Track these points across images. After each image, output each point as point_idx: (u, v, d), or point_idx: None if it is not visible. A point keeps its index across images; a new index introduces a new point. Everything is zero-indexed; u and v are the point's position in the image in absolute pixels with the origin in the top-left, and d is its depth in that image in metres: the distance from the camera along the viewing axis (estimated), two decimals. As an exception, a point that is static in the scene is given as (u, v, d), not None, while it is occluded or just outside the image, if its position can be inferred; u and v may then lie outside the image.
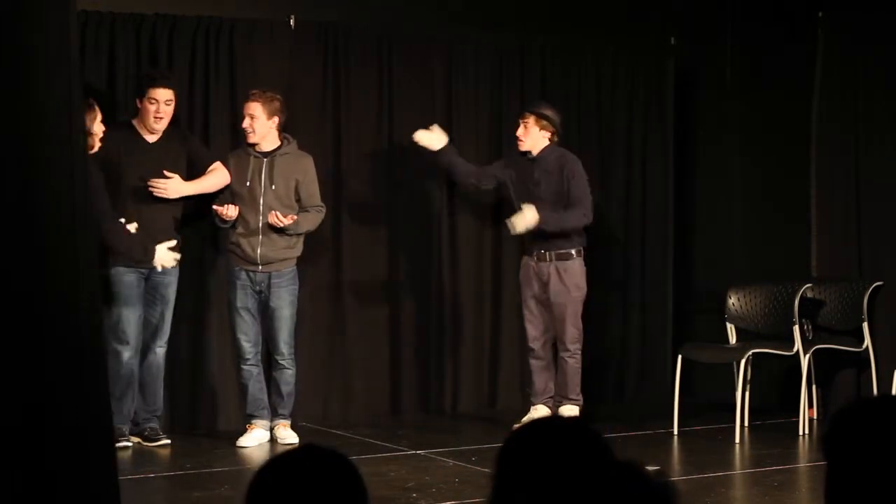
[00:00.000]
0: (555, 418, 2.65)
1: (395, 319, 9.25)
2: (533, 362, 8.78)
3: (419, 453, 8.11)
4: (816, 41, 9.22)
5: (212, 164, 8.25)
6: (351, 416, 9.08)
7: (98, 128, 7.58)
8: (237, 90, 8.67)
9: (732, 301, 9.03)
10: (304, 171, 8.33)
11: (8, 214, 4.16)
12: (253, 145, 8.25)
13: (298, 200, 8.29)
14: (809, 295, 8.85)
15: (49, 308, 4.23)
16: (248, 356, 8.29)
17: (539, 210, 8.49)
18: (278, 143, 8.29)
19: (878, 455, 2.56)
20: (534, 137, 8.64)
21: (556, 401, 8.71)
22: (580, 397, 8.68)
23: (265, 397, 8.34)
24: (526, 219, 8.49)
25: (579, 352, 8.65)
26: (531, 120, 8.64)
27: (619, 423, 8.71)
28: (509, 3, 9.63)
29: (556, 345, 8.76)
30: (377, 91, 9.15)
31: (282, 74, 8.79)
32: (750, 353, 8.58)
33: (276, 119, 8.23)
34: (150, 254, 7.81)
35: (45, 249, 4.25)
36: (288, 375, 8.32)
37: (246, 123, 8.20)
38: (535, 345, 8.75)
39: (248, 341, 8.28)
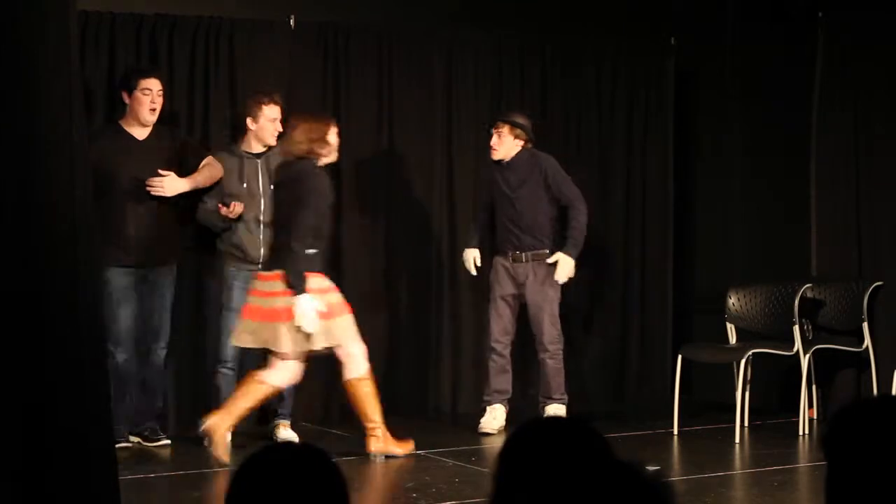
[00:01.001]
0: (556, 418, 2.65)
1: (394, 319, 9.25)
2: (491, 361, 8.75)
3: (419, 453, 8.10)
4: (816, 41, 9.22)
5: (204, 158, 8.22)
6: (351, 416, 9.06)
7: (335, 139, 7.86)
8: (237, 90, 8.66)
9: (732, 301, 9.03)
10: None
11: (8, 214, 4.16)
12: (239, 145, 8.21)
13: None
14: (809, 295, 8.85)
15: (49, 308, 4.23)
16: (229, 360, 8.20)
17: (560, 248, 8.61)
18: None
19: (878, 455, 2.56)
20: (507, 146, 8.66)
21: (541, 401, 8.71)
22: (565, 396, 8.69)
23: None
24: (568, 268, 8.56)
25: (559, 352, 8.65)
26: (505, 129, 8.65)
27: (619, 423, 8.70)
28: (509, 3, 9.63)
29: (533, 346, 8.76)
30: (377, 91, 9.14)
31: (282, 74, 8.79)
32: (750, 353, 8.58)
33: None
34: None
35: (45, 249, 4.25)
36: None
37: (278, 127, 8.15)
38: (497, 345, 8.73)
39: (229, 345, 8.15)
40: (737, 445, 8.40)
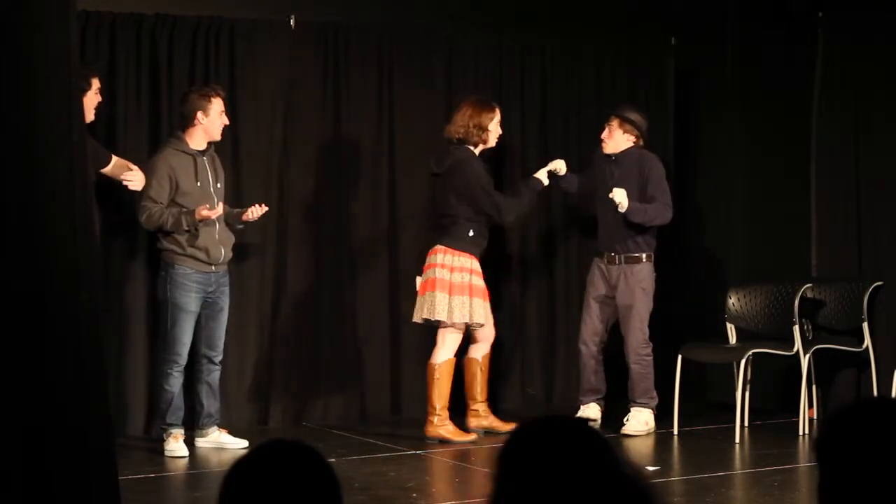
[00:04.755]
0: (556, 418, 2.65)
1: (395, 319, 9.24)
2: (581, 361, 8.79)
3: (419, 453, 8.11)
4: (816, 41, 9.22)
5: (110, 156, 7.89)
6: (351, 416, 9.08)
7: (496, 128, 8.40)
8: (237, 90, 8.67)
9: (732, 301, 9.03)
10: (222, 167, 8.20)
11: (8, 214, 4.17)
12: (186, 143, 7.97)
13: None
14: (809, 295, 8.85)
15: (49, 308, 4.23)
16: (182, 363, 7.98)
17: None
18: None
19: (871, 458, 2.55)
20: (617, 140, 8.68)
21: (629, 403, 8.71)
22: (650, 399, 8.65)
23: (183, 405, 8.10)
24: (621, 197, 8.46)
25: (646, 358, 8.62)
26: (615, 123, 8.70)
27: (619, 423, 8.70)
28: (509, 3, 9.63)
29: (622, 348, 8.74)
30: (377, 91, 9.15)
31: (282, 74, 8.79)
32: (750, 353, 8.58)
33: None
34: None
35: (45, 249, 4.25)
36: (218, 375, 8.17)
37: (224, 121, 8.04)
38: (585, 346, 8.74)
39: (187, 347, 7.98)
40: (737, 445, 8.40)
